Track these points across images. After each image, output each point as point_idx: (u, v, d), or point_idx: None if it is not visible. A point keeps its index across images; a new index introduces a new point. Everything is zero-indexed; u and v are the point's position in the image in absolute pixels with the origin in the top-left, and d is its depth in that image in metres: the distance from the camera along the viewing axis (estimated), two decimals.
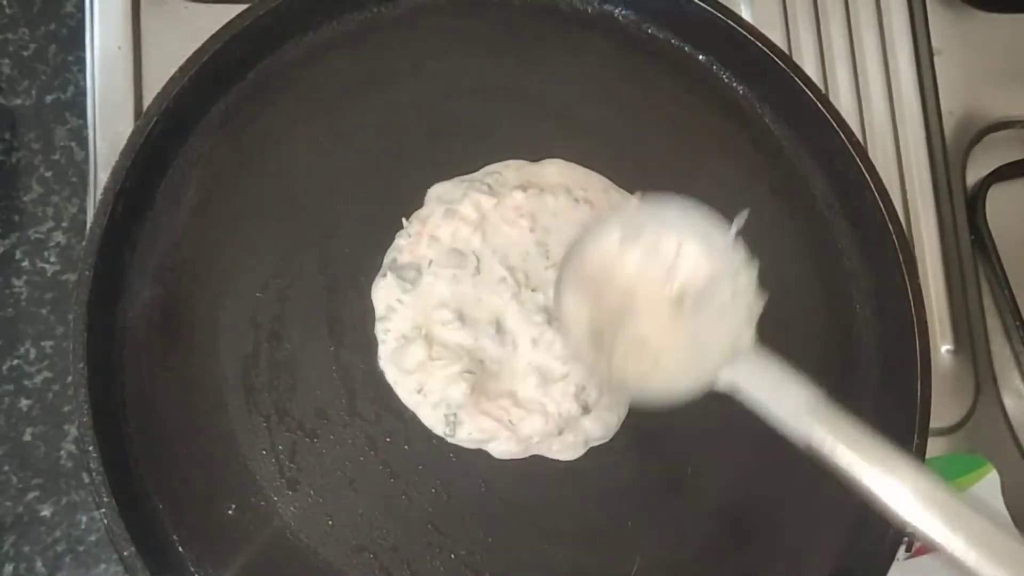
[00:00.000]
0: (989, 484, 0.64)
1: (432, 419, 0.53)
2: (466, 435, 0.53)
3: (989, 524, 0.40)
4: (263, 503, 0.52)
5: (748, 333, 0.48)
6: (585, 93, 0.61)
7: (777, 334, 0.60)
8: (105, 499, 0.47)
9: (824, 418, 0.44)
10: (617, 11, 0.63)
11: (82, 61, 0.64)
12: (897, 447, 0.43)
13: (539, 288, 0.55)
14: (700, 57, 0.63)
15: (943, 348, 0.67)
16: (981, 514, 0.41)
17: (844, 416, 0.44)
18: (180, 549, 0.50)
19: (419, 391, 0.53)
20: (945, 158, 0.71)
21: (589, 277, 0.51)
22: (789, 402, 0.45)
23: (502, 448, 0.53)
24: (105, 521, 0.47)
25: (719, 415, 0.48)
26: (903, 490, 0.42)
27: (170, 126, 0.54)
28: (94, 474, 0.48)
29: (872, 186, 0.59)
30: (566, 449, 0.54)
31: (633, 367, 0.50)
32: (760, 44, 0.60)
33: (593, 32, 0.62)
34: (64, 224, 0.64)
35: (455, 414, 0.53)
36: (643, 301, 0.50)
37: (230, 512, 0.51)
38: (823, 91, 0.70)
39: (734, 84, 0.63)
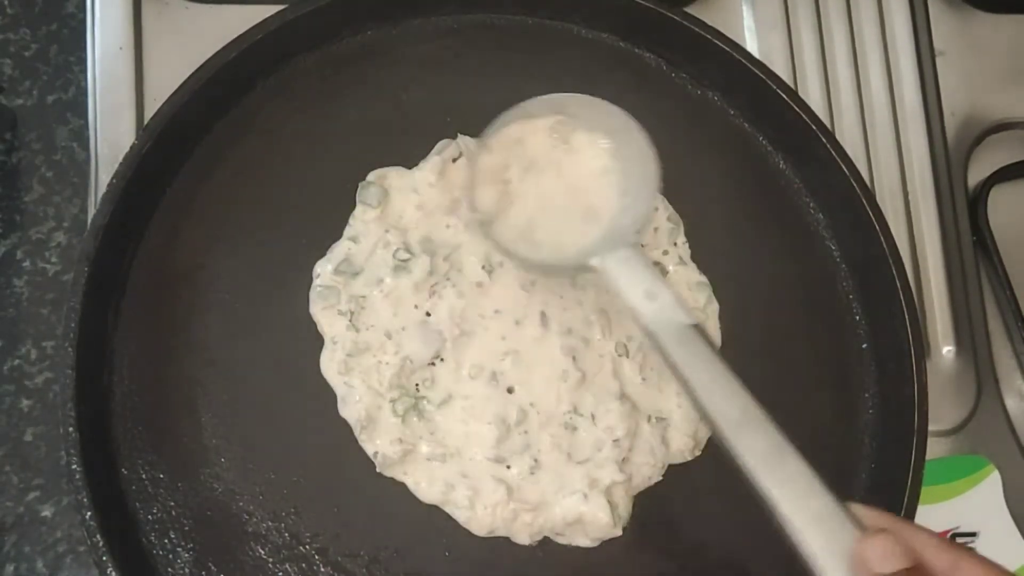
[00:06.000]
0: (991, 485, 0.64)
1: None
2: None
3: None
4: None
5: (634, 230, 0.51)
6: None
7: (771, 339, 0.60)
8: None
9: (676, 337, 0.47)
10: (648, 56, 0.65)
11: (83, 61, 0.64)
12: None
13: None
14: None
15: (944, 349, 0.67)
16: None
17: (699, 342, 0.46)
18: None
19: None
20: (947, 159, 0.71)
21: (508, 138, 0.54)
22: (653, 304, 0.48)
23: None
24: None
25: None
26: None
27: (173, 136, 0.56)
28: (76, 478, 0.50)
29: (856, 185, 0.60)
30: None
31: (528, 222, 0.53)
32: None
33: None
34: (65, 224, 0.64)
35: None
36: (546, 169, 0.54)
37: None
38: (825, 92, 0.71)
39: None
